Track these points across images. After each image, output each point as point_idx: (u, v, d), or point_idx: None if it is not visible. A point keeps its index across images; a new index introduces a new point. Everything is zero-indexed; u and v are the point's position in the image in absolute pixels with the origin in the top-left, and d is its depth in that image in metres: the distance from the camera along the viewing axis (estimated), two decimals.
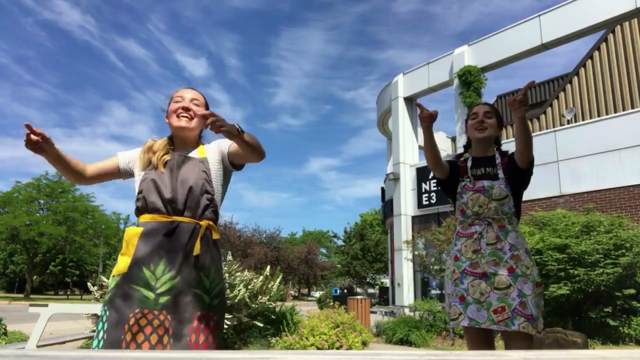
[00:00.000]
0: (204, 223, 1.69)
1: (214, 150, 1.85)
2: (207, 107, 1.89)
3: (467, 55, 13.58)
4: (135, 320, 1.54)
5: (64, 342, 4.76)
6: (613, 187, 10.08)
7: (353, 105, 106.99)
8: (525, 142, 2.08)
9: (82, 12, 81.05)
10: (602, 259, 7.00)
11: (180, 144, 1.84)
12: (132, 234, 1.65)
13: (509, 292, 2.02)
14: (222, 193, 1.84)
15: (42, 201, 32.43)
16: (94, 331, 6.24)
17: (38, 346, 3.82)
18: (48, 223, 29.91)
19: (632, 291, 7.07)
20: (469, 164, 2.31)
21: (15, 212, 29.29)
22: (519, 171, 2.18)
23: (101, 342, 1.54)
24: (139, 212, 1.71)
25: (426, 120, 2.12)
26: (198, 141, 1.89)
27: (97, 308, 4.34)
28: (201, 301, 1.63)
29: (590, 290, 7.04)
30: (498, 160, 2.25)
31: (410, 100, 15.69)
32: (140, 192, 1.70)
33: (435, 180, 2.51)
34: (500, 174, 2.20)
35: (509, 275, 2.05)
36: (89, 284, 7.09)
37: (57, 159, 1.70)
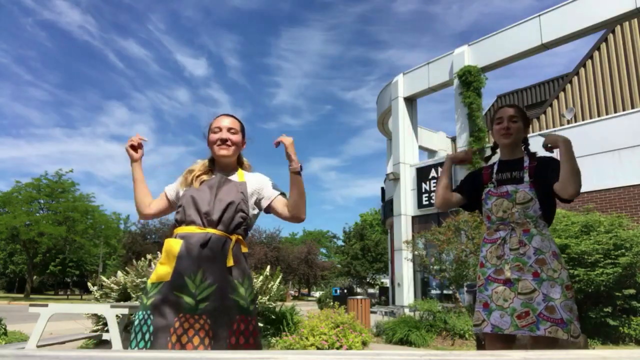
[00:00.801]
0: (234, 237, 1.88)
1: (255, 182, 2.05)
2: (243, 130, 2.10)
3: (467, 55, 13.58)
4: (179, 324, 1.71)
5: (64, 342, 4.76)
6: (613, 187, 10.09)
7: (353, 105, 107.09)
8: (567, 175, 2.00)
9: (82, 12, 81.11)
10: (602, 259, 7.00)
11: (220, 168, 2.07)
12: (172, 244, 1.82)
13: (533, 297, 1.99)
14: (252, 218, 2.04)
15: (42, 201, 32.41)
16: (94, 331, 6.24)
17: (38, 346, 3.83)
18: (48, 223, 29.89)
19: (632, 291, 7.07)
20: (495, 168, 2.29)
21: (15, 212, 29.27)
22: (549, 185, 2.11)
23: (148, 344, 1.71)
24: (178, 224, 1.91)
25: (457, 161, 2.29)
26: (236, 166, 2.11)
27: (97, 308, 4.35)
28: (239, 306, 1.81)
29: (590, 290, 7.04)
30: (526, 163, 2.21)
31: (410, 100, 15.69)
32: (180, 206, 1.92)
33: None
34: (526, 177, 2.16)
35: (534, 279, 2.01)
36: (89, 283, 7.09)
37: (138, 174, 2.07)
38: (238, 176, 2.04)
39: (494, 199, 2.19)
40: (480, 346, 2.15)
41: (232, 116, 2.08)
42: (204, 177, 1.99)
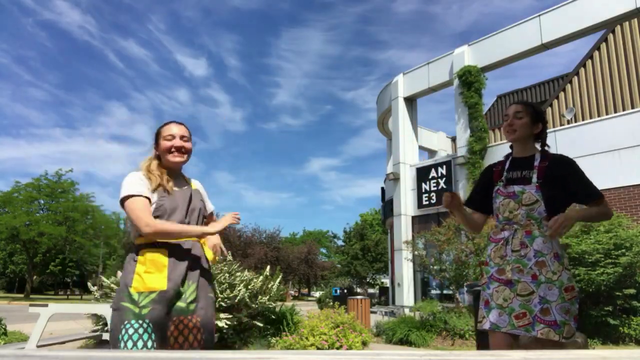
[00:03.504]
0: (202, 241, 2.09)
1: (202, 191, 2.28)
2: (190, 137, 2.19)
3: (467, 55, 13.58)
4: (174, 326, 1.88)
5: (64, 342, 4.76)
6: (613, 187, 10.09)
7: (353, 105, 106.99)
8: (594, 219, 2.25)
9: (82, 12, 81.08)
10: (603, 259, 7.00)
11: (171, 173, 2.15)
12: (158, 255, 1.93)
13: (531, 299, 2.03)
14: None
15: (42, 201, 32.36)
16: (94, 331, 6.24)
17: (38, 346, 3.83)
18: (48, 223, 29.87)
19: (632, 291, 7.07)
20: (507, 165, 2.28)
21: (15, 212, 29.24)
22: (559, 184, 2.13)
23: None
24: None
25: (453, 207, 2.28)
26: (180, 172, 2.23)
27: (97, 308, 4.34)
28: (214, 303, 2.08)
29: (590, 290, 7.05)
30: (536, 162, 2.19)
31: (410, 100, 15.69)
32: (158, 216, 1.97)
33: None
34: (534, 178, 2.14)
35: (532, 282, 2.05)
36: (89, 283, 7.09)
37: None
38: (192, 184, 2.22)
39: (501, 199, 2.20)
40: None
41: (182, 124, 2.16)
42: (171, 184, 2.08)
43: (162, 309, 1.84)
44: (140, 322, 1.80)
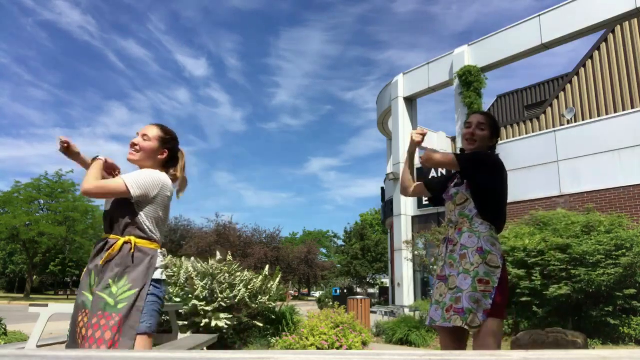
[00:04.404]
0: (126, 239, 2.02)
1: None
2: (163, 140, 2.14)
3: (467, 55, 13.58)
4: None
5: (64, 342, 4.76)
6: (613, 187, 10.08)
7: (353, 105, 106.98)
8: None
9: (82, 12, 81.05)
10: (603, 259, 7.00)
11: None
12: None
13: (455, 292, 2.15)
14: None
15: (42, 201, 32.38)
16: None
17: (38, 346, 3.82)
18: (48, 223, 29.88)
19: (633, 291, 7.06)
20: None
21: (15, 212, 29.24)
22: (479, 180, 2.28)
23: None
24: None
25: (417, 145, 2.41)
26: None
27: None
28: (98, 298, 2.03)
29: (591, 290, 7.04)
30: None
31: (410, 100, 15.69)
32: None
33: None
34: (460, 182, 2.35)
35: (457, 274, 2.18)
36: None
37: (84, 165, 2.17)
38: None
39: (447, 203, 2.39)
40: (444, 338, 2.31)
41: (157, 125, 2.14)
42: None
43: (77, 299, 1.98)
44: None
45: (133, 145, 2.08)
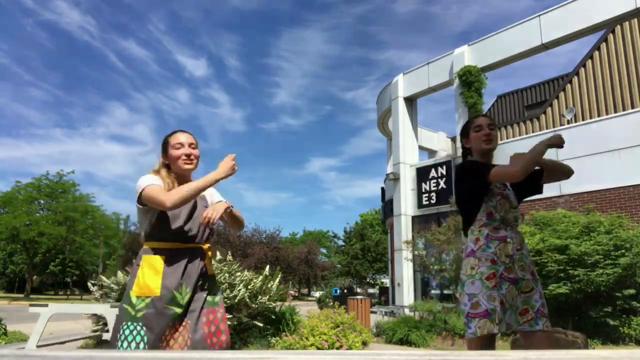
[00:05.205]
0: (206, 247, 2.16)
1: (208, 195, 2.31)
2: (197, 144, 2.25)
3: (467, 55, 13.57)
4: (169, 331, 1.95)
5: (64, 342, 4.77)
6: (613, 187, 10.08)
7: (353, 105, 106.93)
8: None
9: (82, 12, 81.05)
10: (602, 260, 7.00)
11: (181, 180, 2.18)
12: (154, 261, 2.00)
13: (531, 295, 2.14)
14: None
15: (42, 201, 32.38)
16: (94, 331, 6.24)
17: (38, 346, 3.83)
18: (48, 223, 29.88)
19: (632, 291, 7.06)
20: None
21: (15, 212, 29.23)
22: (529, 188, 2.34)
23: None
24: (151, 237, 2.05)
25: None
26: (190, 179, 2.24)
27: (97, 308, 4.34)
28: (206, 301, 2.12)
29: (590, 290, 7.04)
30: None
31: (410, 100, 15.69)
32: (160, 220, 2.03)
33: (476, 183, 2.41)
34: (508, 185, 2.35)
35: (532, 279, 2.17)
36: (89, 283, 7.08)
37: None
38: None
39: (498, 198, 2.26)
40: (491, 344, 2.15)
41: (187, 132, 2.23)
42: None
43: (155, 314, 1.91)
44: (135, 324, 1.91)
45: (188, 156, 2.15)
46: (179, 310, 1.96)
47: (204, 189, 2.02)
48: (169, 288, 1.95)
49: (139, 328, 1.91)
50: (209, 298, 2.09)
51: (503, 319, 2.07)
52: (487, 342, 2.09)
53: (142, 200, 2.02)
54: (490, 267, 2.15)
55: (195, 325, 2.00)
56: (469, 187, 2.29)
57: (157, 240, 2.04)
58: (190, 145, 2.17)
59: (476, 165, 2.28)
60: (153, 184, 2.02)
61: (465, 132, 2.43)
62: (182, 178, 2.18)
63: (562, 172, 2.30)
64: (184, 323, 1.99)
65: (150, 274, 1.97)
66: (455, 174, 2.39)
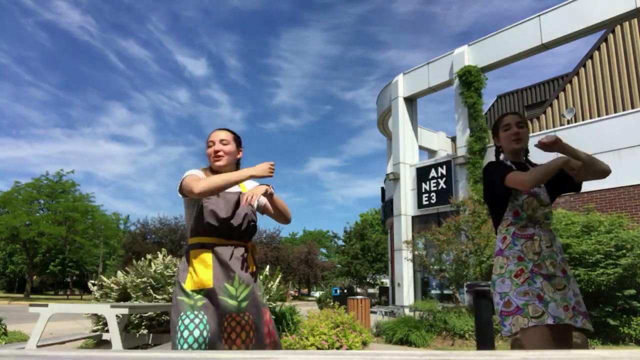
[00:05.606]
0: (249, 245, 2.20)
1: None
2: (237, 140, 2.33)
3: (467, 55, 13.58)
4: (227, 323, 2.02)
5: (64, 342, 4.76)
6: (613, 187, 10.08)
7: (353, 105, 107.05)
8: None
9: (82, 12, 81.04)
10: (603, 260, 7.00)
11: None
12: (204, 256, 2.05)
13: (566, 292, 2.11)
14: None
15: (42, 201, 32.38)
16: (94, 331, 6.23)
17: (38, 346, 3.83)
18: (48, 223, 29.87)
19: (633, 291, 7.06)
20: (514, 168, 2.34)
21: (15, 212, 29.23)
22: (565, 187, 2.34)
23: (203, 339, 1.92)
24: (195, 232, 2.10)
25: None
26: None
27: (97, 308, 4.34)
28: (262, 302, 2.20)
29: (590, 290, 7.04)
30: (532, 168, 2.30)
31: (410, 100, 15.69)
32: (200, 214, 2.08)
33: (494, 187, 2.42)
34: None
35: (563, 276, 2.14)
36: (89, 283, 7.08)
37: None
38: (240, 186, 2.29)
39: (525, 196, 2.24)
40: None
41: (225, 129, 2.31)
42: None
43: (212, 304, 2.00)
44: (196, 312, 1.96)
45: (217, 152, 2.20)
46: (233, 303, 2.02)
47: (236, 182, 2.04)
48: (220, 280, 2.02)
49: (200, 316, 1.96)
50: (261, 299, 2.16)
51: (545, 311, 2.01)
52: (553, 336, 2.00)
53: (183, 191, 2.09)
54: (517, 264, 2.14)
55: (259, 323, 2.09)
56: (491, 189, 2.32)
57: (201, 235, 2.09)
58: (221, 141, 2.23)
59: (495, 168, 2.30)
60: (192, 174, 2.10)
61: (495, 131, 2.42)
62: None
63: (600, 170, 2.18)
64: (247, 319, 2.04)
65: (201, 268, 2.03)
66: (482, 175, 2.40)
